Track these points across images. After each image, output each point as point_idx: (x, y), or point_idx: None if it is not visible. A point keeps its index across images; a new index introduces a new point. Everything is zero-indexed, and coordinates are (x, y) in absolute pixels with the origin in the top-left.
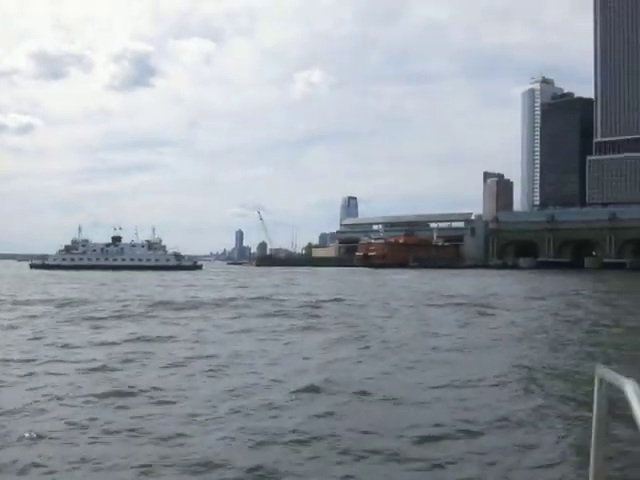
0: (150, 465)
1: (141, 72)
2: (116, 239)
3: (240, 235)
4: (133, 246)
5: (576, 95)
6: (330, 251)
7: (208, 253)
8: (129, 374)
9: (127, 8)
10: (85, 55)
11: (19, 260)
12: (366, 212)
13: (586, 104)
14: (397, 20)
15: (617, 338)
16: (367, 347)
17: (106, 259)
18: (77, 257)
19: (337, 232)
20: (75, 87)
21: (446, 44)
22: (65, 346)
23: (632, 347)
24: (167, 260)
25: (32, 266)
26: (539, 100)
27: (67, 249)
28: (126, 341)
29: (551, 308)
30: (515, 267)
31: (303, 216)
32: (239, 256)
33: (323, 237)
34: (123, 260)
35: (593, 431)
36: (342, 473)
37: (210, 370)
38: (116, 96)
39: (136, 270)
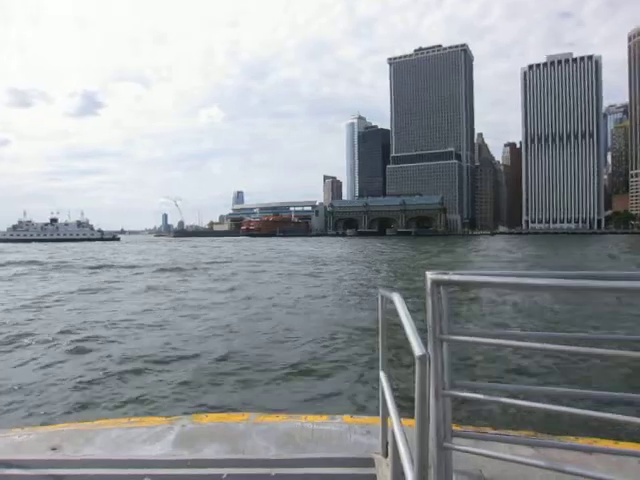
0: None
1: (90, 104)
2: (53, 220)
3: (165, 216)
4: (66, 225)
5: (379, 127)
6: (225, 226)
7: (143, 229)
8: None
9: (76, 58)
10: (47, 91)
11: None
12: (249, 200)
13: (385, 133)
14: (266, 77)
15: (389, 263)
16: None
17: (44, 235)
18: (22, 233)
19: (230, 214)
20: (40, 113)
21: (297, 93)
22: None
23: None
24: (92, 234)
25: None
26: (356, 130)
27: (14, 227)
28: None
29: (363, 253)
30: (344, 235)
31: (207, 203)
32: (165, 230)
33: (221, 217)
34: (58, 235)
35: (379, 325)
36: None
37: None
38: (72, 121)
39: (68, 242)
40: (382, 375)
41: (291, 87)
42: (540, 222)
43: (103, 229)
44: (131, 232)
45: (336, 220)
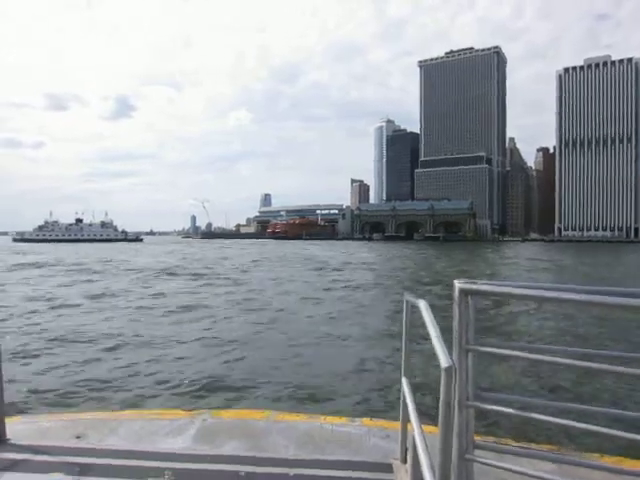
0: None
1: (123, 107)
2: (79, 220)
3: (194, 218)
4: (90, 225)
5: (408, 130)
6: (251, 228)
7: (172, 230)
8: None
9: (110, 64)
10: (82, 95)
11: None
12: (276, 203)
13: (414, 136)
14: (296, 80)
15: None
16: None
17: (69, 235)
18: (47, 233)
19: (256, 216)
20: (75, 116)
21: (326, 97)
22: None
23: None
24: (115, 235)
25: (15, 240)
26: (385, 133)
27: (40, 228)
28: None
29: (389, 257)
30: (370, 239)
31: (235, 205)
32: (193, 232)
33: (248, 220)
34: (82, 235)
35: (403, 330)
36: None
37: None
38: (106, 124)
39: (93, 242)
40: (404, 380)
41: (320, 90)
42: (574, 229)
43: (133, 230)
44: (161, 233)
45: (363, 224)
